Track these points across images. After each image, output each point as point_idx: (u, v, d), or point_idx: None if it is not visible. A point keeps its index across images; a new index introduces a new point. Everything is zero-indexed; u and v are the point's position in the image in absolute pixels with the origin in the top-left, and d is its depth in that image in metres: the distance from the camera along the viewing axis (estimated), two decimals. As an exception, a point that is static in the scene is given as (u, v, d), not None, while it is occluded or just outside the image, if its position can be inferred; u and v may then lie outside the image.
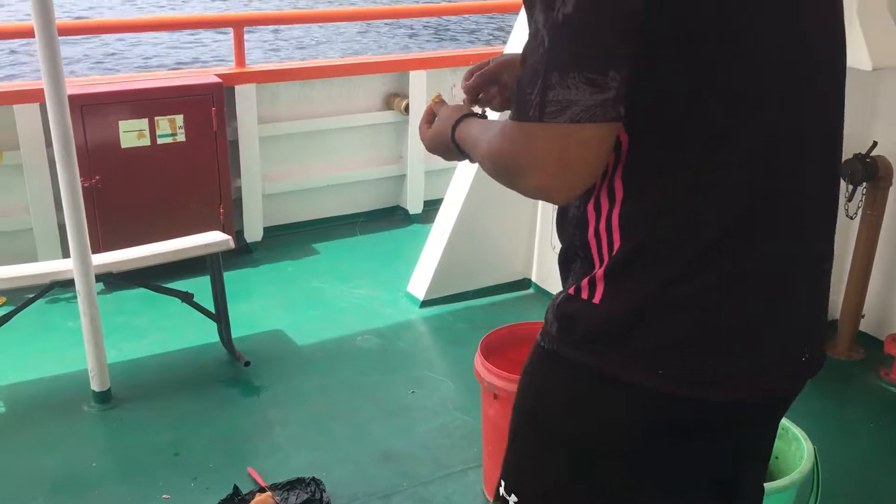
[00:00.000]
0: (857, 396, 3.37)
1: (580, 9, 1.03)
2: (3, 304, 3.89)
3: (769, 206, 1.19)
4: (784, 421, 2.40)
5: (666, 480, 1.29)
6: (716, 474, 1.38)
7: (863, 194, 3.33)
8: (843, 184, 3.33)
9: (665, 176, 1.15)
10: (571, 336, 1.24)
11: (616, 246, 1.19)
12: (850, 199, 3.34)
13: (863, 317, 3.55)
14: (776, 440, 2.38)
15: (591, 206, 1.22)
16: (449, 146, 1.41)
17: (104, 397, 3.17)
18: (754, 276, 1.19)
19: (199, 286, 3.59)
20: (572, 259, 1.28)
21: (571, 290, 1.24)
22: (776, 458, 2.40)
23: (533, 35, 1.08)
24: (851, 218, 3.40)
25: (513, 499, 1.38)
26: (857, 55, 2.99)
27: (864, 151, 3.27)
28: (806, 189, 1.23)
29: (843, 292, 3.57)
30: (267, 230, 4.65)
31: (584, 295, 1.22)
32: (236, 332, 3.54)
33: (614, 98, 1.05)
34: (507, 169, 1.16)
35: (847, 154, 3.31)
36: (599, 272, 1.21)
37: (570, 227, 1.27)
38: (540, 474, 1.34)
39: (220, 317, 3.45)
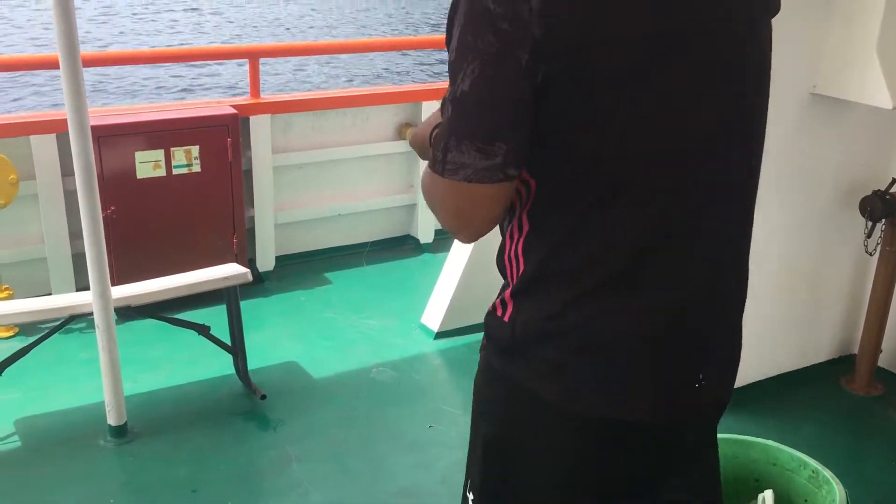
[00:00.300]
0: (877, 433, 3.35)
1: (473, 88, 1.18)
2: (16, 335, 3.88)
3: (662, 249, 1.30)
4: (812, 462, 2.39)
5: (581, 486, 1.40)
6: (628, 485, 1.44)
7: (881, 231, 3.34)
8: (862, 220, 3.34)
9: (563, 217, 1.28)
10: (493, 346, 1.40)
11: (521, 271, 1.34)
12: (868, 236, 3.35)
13: (880, 352, 3.55)
14: (806, 482, 2.38)
15: (507, 233, 1.37)
16: (426, 144, 1.52)
17: (120, 431, 3.14)
18: (638, 312, 1.30)
19: (212, 316, 3.58)
20: (503, 275, 1.41)
21: (491, 307, 1.40)
22: (805, 500, 2.39)
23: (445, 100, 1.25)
24: (870, 254, 3.40)
25: (471, 497, 1.51)
26: (877, 93, 3.01)
27: (883, 188, 3.28)
28: (704, 231, 1.33)
29: (861, 328, 3.56)
30: (278, 259, 4.65)
31: (499, 312, 1.38)
32: (250, 364, 3.52)
33: (502, 163, 1.20)
34: (427, 203, 1.35)
35: (866, 191, 3.32)
36: (508, 293, 1.37)
37: (499, 247, 1.42)
38: (479, 472, 1.48)
39: (237, 350, 3.43)
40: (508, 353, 1.37)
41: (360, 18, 21.65)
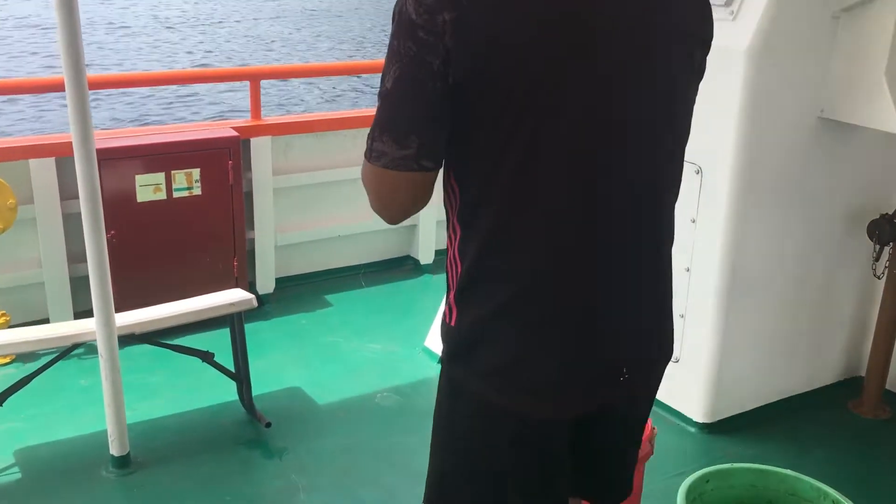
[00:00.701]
0: (887, 457, 3.32)
1: (395, 87, 1.34)
2: (12, 362, 3.80)
3: (574, 257, 1.42)
4: (833, 493, 2.36)
5: (522, 478, 1.54)
6: (565, 468, 1.60)
7: (889, 254, 3.33)
8: (869, 243, 3.34)
9: (483, 224, 1.41)
10: (446, 352, 1.52)
11: (459, 274, 1.46)
12: (876, 259, 3.35)
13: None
14: (828, 512, 2.35)
15: (447, 237, 1.50)
16: None
17: (123, 462, 3.07)
18: (558, 317, 1.44)
19: (212, 341, 3.53)
20: (447, 279, 1.52)
21: (442, 314, 1.53)
22: (824, 530, 2.36)
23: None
24: (878, 278, 3.39)
25: None
26: (886, 117, 3.01)
27: (890, 212, 3.28)
28: (613, 238, 1.45)
29: (868, 350, 3.55)
30: (278, 281, 4.60)
31: (447, 318, 1.50)
32: (252, 390, 3.47)
33: (415, 155, 1.35)
34: (364, 186, 1.47)
35: (874, 214, 3.32)
36: (451, 297, 1.49)
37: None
38: (430, 474, 1.64)
39: (242, 377, 3.38)
40: (456, 358, 1.50)
41: (339, 35, 21.60)
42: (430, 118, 1.35)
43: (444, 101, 1.33)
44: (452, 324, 1.48)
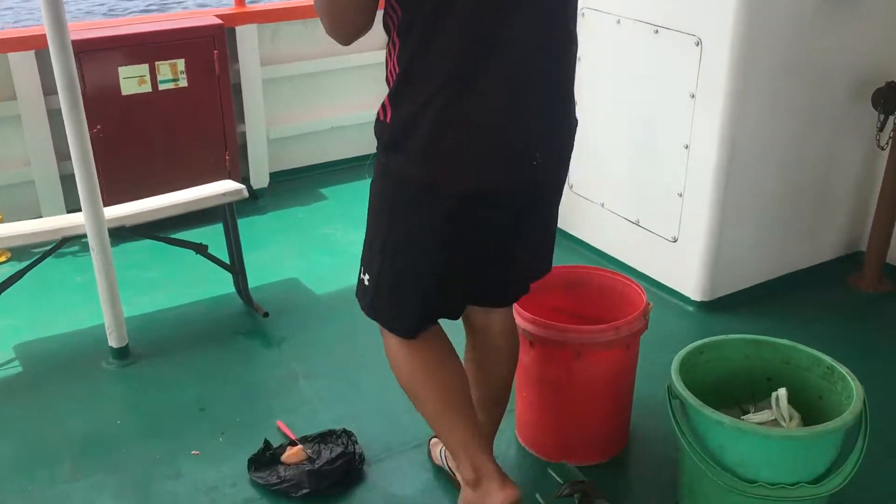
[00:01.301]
0: (887, 330, 3.31)
1: None
2: (8, 261, 3.80)
3: (489, 55, 1.71)
4: (827, 359, 2.34)
5: (452, 241, 1.87)
6: (489, 240, 1.93)
7: (894, 124, 3.24)
8: (874, 113, 3.24)
9: (416, 33, 1.70)
10: (380, 146, 1.84)
11: (395, 79, 1.76)
12: (881, 129, 3.25)
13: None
14: (821, 380, 2.35)
15: (387, 52, 1.77)
16: None
17: (122, 353, 3.09)
18: (474, 108, 1.74)
19: (207, 236, 3.50)
20: (388, 84, 1.80)
21: (377, 114, 1.82)
22: (820, 397, 2.36)
23: None
24: (882, 148, 3.31)
25: (366, 277, 1.99)
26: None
27: (896, 79, 3.18)
28: (526, 37, 1.72)
29: (869, 224, 3.50)
30: (272, 175, 4.54)
31: (381, 116, 1.81)
32: (250, 282, 3.46)
33: None
34: (317, 12, 1.74)
35: (879, 83, 3.22)
36: (387, 98, 1.78)
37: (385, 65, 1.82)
38: (369, 249, 1.96)
39: (236, 268, 3.36)
40: (390, 148, 1.80)
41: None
42: None
43: None
44: (387, 120, 1.78)
